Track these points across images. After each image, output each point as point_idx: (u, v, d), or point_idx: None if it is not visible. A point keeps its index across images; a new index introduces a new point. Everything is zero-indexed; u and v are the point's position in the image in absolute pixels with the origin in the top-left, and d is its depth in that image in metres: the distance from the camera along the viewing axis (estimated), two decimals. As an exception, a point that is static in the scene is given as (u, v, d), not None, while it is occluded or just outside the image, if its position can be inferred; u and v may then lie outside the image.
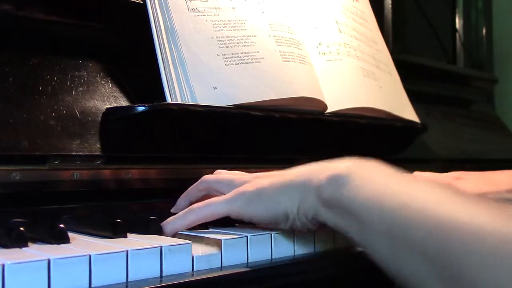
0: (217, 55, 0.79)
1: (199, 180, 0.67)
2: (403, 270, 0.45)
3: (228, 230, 0.61)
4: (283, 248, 0.60)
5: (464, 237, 0.40)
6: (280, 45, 0.86)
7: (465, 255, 0.40)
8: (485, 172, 0.92)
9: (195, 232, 0.61)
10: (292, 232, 0.60)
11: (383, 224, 0.46)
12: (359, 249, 0.52)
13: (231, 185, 0.62)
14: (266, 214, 0.58)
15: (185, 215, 0.61)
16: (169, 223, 0.61)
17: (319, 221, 0.55)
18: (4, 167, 0.64)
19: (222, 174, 0.67)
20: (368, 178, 0.50)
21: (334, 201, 0.51)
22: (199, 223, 0.62)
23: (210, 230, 0.63)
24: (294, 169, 0.59)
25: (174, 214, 0.63)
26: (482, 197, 0.48)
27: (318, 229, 0.58)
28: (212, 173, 0.70)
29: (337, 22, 1.02)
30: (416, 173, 0.95)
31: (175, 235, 0.60)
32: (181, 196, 0.69)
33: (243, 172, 0.67)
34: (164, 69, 0.75)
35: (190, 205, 0.63)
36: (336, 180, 0.51)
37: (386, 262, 0.47)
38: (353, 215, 0.49)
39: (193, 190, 0.68)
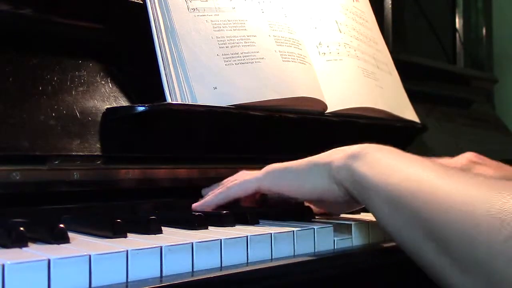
0: (217, 55, 0.79)
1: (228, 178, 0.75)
2: (402, 236, 0.54)
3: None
4: (284, 249, 0.60)
5: (457, 210, 0.48)
6: (280, 45, 0.86)
7: (458, 225, 0.48)
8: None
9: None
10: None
11: (388, 195, 0.55)
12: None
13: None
14: (294, 187, 0.67)
15: (215, 195, 0.71)
16: (202, 201, 0.72)
17: (348, 193, 0.62)
18: (4, 167, 0.64)
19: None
20: (379, 157, 0.59)
21: (351, 176, 0.60)
22: (229, 200, 0.71)
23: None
24: (314, 156, 0.67)
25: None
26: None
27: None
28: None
29: (337, 22, 1.02)
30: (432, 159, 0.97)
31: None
32: (214, 185, 0.77)
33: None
34: (164, 69, 0.75)
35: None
36: (353, 158, 0.60)
37: (388, 226, 0.56)
38: (365, 187, 0.58)
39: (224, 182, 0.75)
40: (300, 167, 0.66)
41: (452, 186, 0.51)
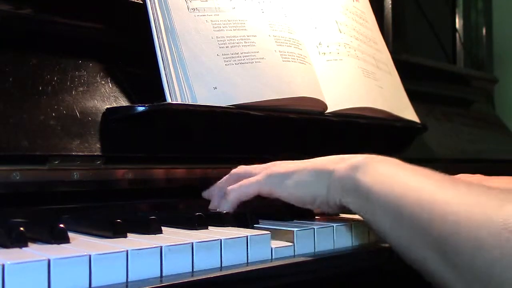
0: (217, 55, 0.79)
1: (229, 174, 0.74)
2: (403, 246, 0.54)
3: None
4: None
5: (456, 218, 0.49)
6: (280, 45, 0.86)
7: (457, 233, 0.48)
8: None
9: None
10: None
11: (390, 206, 0.55)
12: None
13: (252, 174, 0.71)
14: (295, 194, 0.67)
15: (219, 202, 0.71)
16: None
17: (343, 205, 0.63)
18: (4, 167, 0.64)
19: (243, 167, 0.74)
20: (382, 168, 0.59)
21: (353, 187, 0.60)
22: (234, 207, 0.70)
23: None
24: (313, 159, 0.67)
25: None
26: None
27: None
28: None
29: (337, 22, 1.02)
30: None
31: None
32: (214, 187, 0.76)
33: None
34: (164, 69, 0.75)
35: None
36: (356, 169, 0.60)
37: (389, 237, 0.56)
38: (367, 198, 0.58)
39: (224, 183, 0.74)
40: (302, 174, 0.66)
41: (452, 195, 0.51)
